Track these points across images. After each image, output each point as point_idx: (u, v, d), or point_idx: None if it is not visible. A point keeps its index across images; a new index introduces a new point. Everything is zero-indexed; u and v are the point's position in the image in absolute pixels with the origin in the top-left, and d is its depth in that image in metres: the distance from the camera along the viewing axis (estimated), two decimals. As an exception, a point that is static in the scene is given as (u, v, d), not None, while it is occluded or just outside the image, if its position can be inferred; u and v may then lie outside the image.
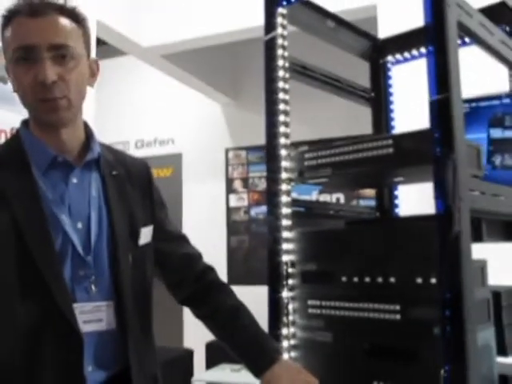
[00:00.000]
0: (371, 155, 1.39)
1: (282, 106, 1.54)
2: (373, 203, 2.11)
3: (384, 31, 2.83)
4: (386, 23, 3.21)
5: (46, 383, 1.11)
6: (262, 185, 5.53)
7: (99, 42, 3.73)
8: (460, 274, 1.18)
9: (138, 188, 1.36)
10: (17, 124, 3.00)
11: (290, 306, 1.49)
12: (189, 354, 5.02)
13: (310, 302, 1.46)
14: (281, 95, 1.54)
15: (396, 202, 2.07)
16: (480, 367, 1.27)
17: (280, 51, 1.57)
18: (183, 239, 1.47)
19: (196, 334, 5.09)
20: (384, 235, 1.36)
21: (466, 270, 1.19)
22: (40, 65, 1.14)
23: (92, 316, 1.18)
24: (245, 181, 5.70)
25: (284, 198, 1.51)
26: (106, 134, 1.22)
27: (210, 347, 5.08)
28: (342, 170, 1.46)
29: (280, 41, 1.57)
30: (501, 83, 2.06)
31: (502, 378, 1.43)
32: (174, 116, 6.08)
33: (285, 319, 1.49)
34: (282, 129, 1.53)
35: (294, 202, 1.56)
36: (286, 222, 1.51)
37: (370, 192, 4.75)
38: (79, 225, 1.20)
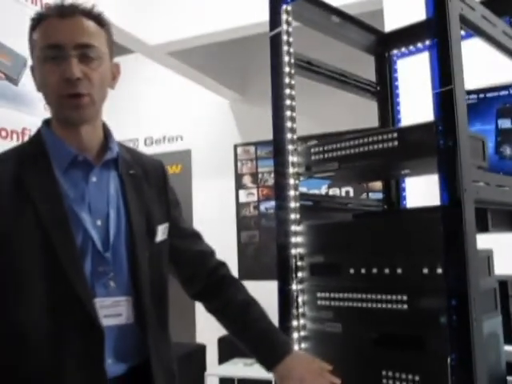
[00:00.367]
0: (377, 148, 1.41)
1: (288, 102, 1.56)
2: (381, 198, 2.12)
3: (390, 24, 2.84)
4: (393, 16, 3.21)
5: (69, 375, 1.14)
6: (272, 180, 5.55)
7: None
8: (465, 264, 1.20)
9: (155, 187, 1.40)
10: (28, 125, 3.04)
11: (300, 299, 1.52)
12: (201, 349, 5.06)
13: (318, 294, 1.49)
14: (287, 90, 1.57)
15: (403, 194, 2.09)
16: (487, 355, 1.29)
17: (285, 47, 1.59)
18: (197, 236, 1.51)
19: (208, 330, 5.13)
20: (391, 227, 1.38)
21: (472, 260, 1.21)
22: (66, 62, 1.19)
23: (111, 310, 1.22)
24: (254, 176, 5.72)
25: (292, 192, 1.54)
26: (116, 131, 1.25)
27: (222, 342, 5.12)
28: (348, 163, 1.48)
29: (285, 37, 1.59)
30: (506, 74, 2.06)
31: (510, 366, 1.44)
32: (183, 113, 6.11)
33: (295, 311, 1.51)
34: (288, 124, 1.56)
35: (302, 196, 1.58)
36: (294, 216, 1.53)
37: (378, 185, 4.75)
38: (98, 222, 1.24)
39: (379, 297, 1.36)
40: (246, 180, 5.75)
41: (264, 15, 1.72)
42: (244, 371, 4.52)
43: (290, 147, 1.55)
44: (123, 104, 5.83)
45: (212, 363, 5.06)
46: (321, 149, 1.53)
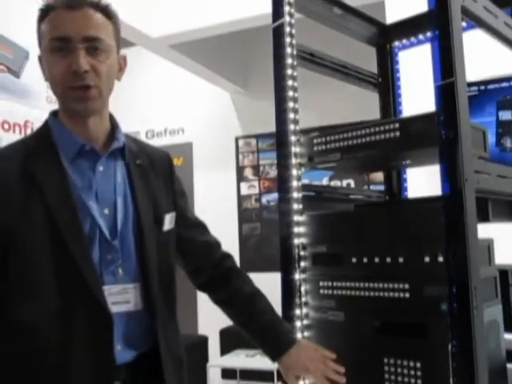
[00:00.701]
0: (378, 139, 1.43)
1: (290, 93, 1.57)
2: (383, 189, 2.14)
3: (392, 16, 2.84)
4: (394, 8, 3.21)
5: (79, 362, 1.16)
6: (273, 172, 5.56)
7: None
8: (466, 253, 1.22)
9: (161, 177, 1.41)
10: (30, 117, 3.05)
11: (303, 288, 1.54)
12: (203, 341, 5.10)
13: (321, 283, 1.50)
14: (289, 82, 1.58)
15: (405, 185, 2.11)
16: (487, 343, 1.31)
17: (288, 39, 1.60)
18: (203, 227, 1.53)
19: (210, 322, 5.17)
20: (392, 216, 1.40)
21: (472, 249, 1.23)
22: (74, 55, 1.20)
23: (120, 298, 1.24)
24: (255, 168, 5.73)
25: (294, 183, 1.55)
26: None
27: (224, 334, 5.15)
28: (350, 154, 1.49)
29: (288, 29, 1.60)
30: (506, 66, 2.07)
31: (510, 354, 1.46)
32: (184, 106, 6.11)
33: (297, 300, 1.53)
34: (291, 115, 1.57)
35: (305, 187, 1.59)
36: (296, 206, 1.55)
37: (379, 177, 4.77)
38: (106, 211, 1.26)
39: (381, 285, 1.37)
40: (248, 172, 5.76)
41: (265, 8, 1.73)
42: (246, 362, 4.55)
43: (293, 138, 1.57)
44: (125, 97, 5.84)
45: (214, 354, 5.09)
46: (323, 139, 1.55)
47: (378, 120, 1.92)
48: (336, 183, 5.23)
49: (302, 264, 1.54)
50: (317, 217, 1.54)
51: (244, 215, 5.76)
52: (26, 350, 1.16)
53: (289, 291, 1.54)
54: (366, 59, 2.15)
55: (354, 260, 1.43)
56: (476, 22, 1.51)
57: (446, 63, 1.28)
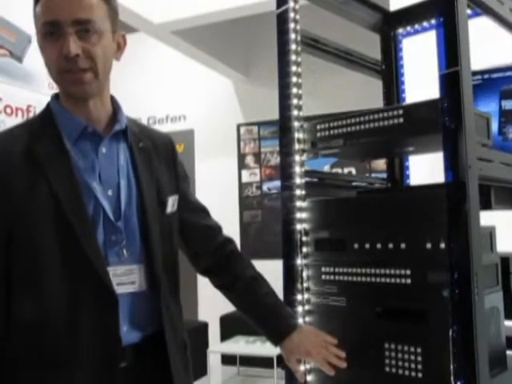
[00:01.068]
0: (382, 125, 1.43)
1: (294, 79, 1.57)
2: (385, 177, 2.14)
3: (395, 2, 2.82)
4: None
5: (86, 342, 1.17)
6: (274, 160, 5.57)
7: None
8: (468, 240, 1.22)
9: (164, 160, 1.41)
10: (33, 102, 3.05)
11: (305, 273, 1.54)
12: (204, 327, 5.13)
13: (323, 269, 1.51)
14: (293, 68, 1.57)
15: (407, 172, 2.11)
16: (487, 329, 1.32)
17: (292, 25, 1.59)
18: (205, 212, 1.53)
19: (210, 308, 5.20)
20: (394, 203, 1.40)
21: (474, 236, 1.23)
22: (64, 39, 1.19)
23: (125, 278, 1.24)
24: (257, 156, 5.73)
25: (297, 169, 1.56)
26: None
27: (224, 320, 5.18)
28: (353, 140, 1.49)
29: (292, 14, 1.59)
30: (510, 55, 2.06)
31: (510, 341, 1.47)
32: (186, 92, 6.11)
33: (299, 286, 1.54)
34: (294, 101, 1.57)
35: (307, 173, 1.60)
36: (299, 192, 1.55)
37: (381, 166, 4.77)
38: (109, 192, 1.26)
39: (383, 271, 1.38)
40: (249, 160, 5.76)
41: (269, -7, 1.73)
42: (246, 348, 4.59)
43: (296, 124, 1.57)
44: (126, 83, 5.83)
45: (214, 340, 5.12)
46: (326, 125, 1.55)
47: (381, 107, 1.92)
48: (337, 171, 5.23)
49: (304, 250, 1.55)
50: (319, 203, 1.55)
51: (245, 203, 5.77)
52: (32, 332, 1.17)
53: (291, 277, 1.55)
54: (370, 46, 2.15)
55: (356, 246, 1.44)
56: (481, 8, 1.51)
57: (451, 52, 1.27)
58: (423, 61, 2.12)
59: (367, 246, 1.41)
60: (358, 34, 2.25)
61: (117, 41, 1.31)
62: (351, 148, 1.53)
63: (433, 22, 2.00)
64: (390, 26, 2.08)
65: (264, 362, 4.49)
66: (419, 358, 1.31)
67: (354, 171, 5.28)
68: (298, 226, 1.55)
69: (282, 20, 1.61)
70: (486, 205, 1.42)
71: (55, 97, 1.32)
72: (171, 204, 1.38)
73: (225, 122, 5.86)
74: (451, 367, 1.24)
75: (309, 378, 1.52)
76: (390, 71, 2.08)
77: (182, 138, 5.96)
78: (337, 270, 1.48)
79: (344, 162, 5.10)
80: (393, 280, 1.36)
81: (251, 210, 5.74)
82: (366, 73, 2.08)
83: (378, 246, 1.39)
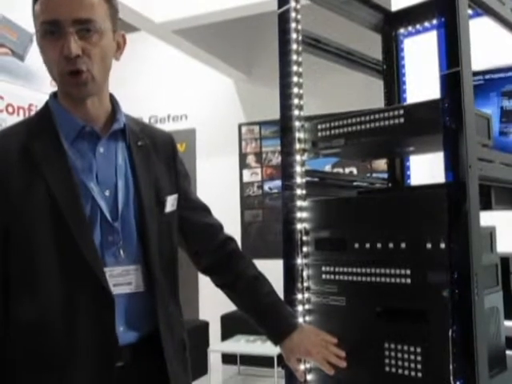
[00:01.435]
0: (383, 125, 1.43)
1: (295, 79, 1.57)
2: (385, 177, 2.14)
3: (396, 2, 2.82)
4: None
5: (82, 342, 1.17)
6: (276, 159, 5.57)
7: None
8: (468, 240, 1.22)
9: (163, 158, 1.40)
10: (34, 101, 3.06)
11: (305, 273, 1.55)
12: (204, 326, 5.13)
13: (323, 269, 1.51)
14: (294, 67, 1.58)
15: (408, 173, 2.11)
16: (487, 329, 1.32)
17: (293, 24, 1.59)
18: (206, 210, 1.52)
19: (211, 307, 5.20)
20: (395, 203, 1.40)
21: (474, 236, 1.23)
22: (64, 39, 1.18)
23: (121, 279, 1.24)
24: (258, 155, 5.73)
25: (298, 169, 1.56)
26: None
27: (224, 319, 5.19)
28: (354, 140, 1.49)
29: (293, 14, 1.60)
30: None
31: (510, 341, 1.47)
32: (187, 92, 6.11)
33: (299, 285, 1.54)
34: (295, 101, 1.57)
35: (308, 173, 1.60)
36: (300, 192, 1.55)
37: (382, 166, 4.77)
38: (107, 192, 1.25)
39: (383, 271, 1.38)
40: (250, 159, 5.76)
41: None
42: (246, 348, 4.59)
43: (297, 124, 1.57)
44: (128, 82, 5.83)
45: (215, 340, 5.13)
46: (327, 125, 1.55)
47: (382, 106, 1.92)
48: (338, 171, 5.23)
49: (305, 249, 1.55)
50: (320, 202, 1.55)
51: (246, 202, 5.77)
52: (29, 332, 1.17)
53: (291, 276, 1.55)
54: (371, 46, 2.15)
55: (356, 246, 1.44)
56: (482, 8, 1.51)
57: (452, 52, 1.27)
58: (424, 61, 2.12)
59: (367, 245, 1.42)
60: (360, 33, 2.25)
61: (117, 40, 1.30)
62: (352, 148, 1.54)
63: (434, 22, 2.00)
64: (391, 26, 2.08)
65: (264, 362, 4.50)
66: (419, 358, 1.31)
67: (355, 171, 5.28)
68: (299, 226, 1.55)
69: (283, 20, 1.61)
70: (486, 205, 1.42)
71: (54, 95, 1.31)
72: (170, 203, 1.37)
73: (226, 121, 5.87)
74: (451, 367, 1.25)
75: (309, 377, 1.52)
76: (391, 71, 2.09)
77: (184, 137, 5.97)
78: (337, 269, 1.48)
79: (345, 161, 5.09)
80: (393, 280, 1.36)
81: (252, 210, 5.74)
82: (367, 73, 2.08)
83: (379, 245, 1.39)
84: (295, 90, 1.57)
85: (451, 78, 1.27)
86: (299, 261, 1.54)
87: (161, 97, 6.22)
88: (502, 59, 2.32)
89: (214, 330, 5.18)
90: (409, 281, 1.34)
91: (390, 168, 2.10)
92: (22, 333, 1.18)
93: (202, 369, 4.51)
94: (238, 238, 1.60)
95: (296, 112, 1.57)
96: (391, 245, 1.37)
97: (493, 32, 1.76)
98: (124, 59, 1.35)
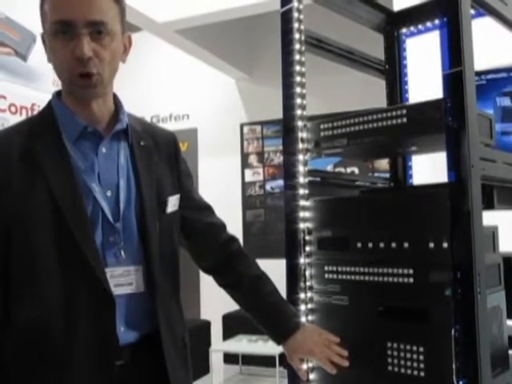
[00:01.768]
0: (385, 125, 1.43)
1: (298, 78, 1.58)
2: (387, 176, 2.15)
3: (399, 2, 2.83)
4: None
5: (82, 342, 1.18)
6: (278, 159, 5.57)
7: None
8: (471, 240, 1.23)
9: (166, 158, 1.40)
10: (37, 100, 3.06)
11: (307, 272, 1.55)
12: (206, 326, 5.14)
13: (326, 268, 1.52)
14: (297, 67, 1.58)
15: (410, 172, 2.11)
16: (490, 328, 1.32)
17: (296, 24, 1.60)
18: (208, 209, 1.52)
19: (213, 307, 5.21)
20: (397, 202, 1.40)
21: (477, 236, 1.24)
22: (77, 40, 1.17)
23: (122, 280, 1.24)
24: (260, 155, 5.74)
25: (301, 168, 1.56)
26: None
27: (226, 319, 5.19)
28: (357, 139, 1.50)
29: (296, 14, 1.60)
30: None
31: (512, 340, 1.48)
32: (189, 91, 6.11)
33: (302, 284, 1.54)
34: (298, 100, 1.57)
35: (311, 173, 1.60)
36: (302, 191, 1.56)
37: (384, 165, 4.77)
38: (108, 193, 1.25)
39: (385, 270, 1.38)
40: (252, 159, 5.77)
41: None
42: (248, 347, 4.59)
43: (300, 123, 1.57)
44: (130, 82, 5.83)
45: (216, 339, 5.13)
46: (330, 125, 1.55)
47: (384, 106, 1.92)
48: (340, 171, 5.23)
49: (307, 248, 1.55)
50: (322, 202, 1.55)
51: (248, 202, 5.78)
52: (30, 332, 1.17)
53: (294, 275, 1.55)
54: (374, 46, 2.15)
55: (359, 245, 1.44)
56: (485, 9, 1.51)
57: (455, 51, 1.27)
58: (426, 61, 2.13)
59: (370, 245, 1.42)
60: (362, 33, 2.25)
61: (123, 42, 1.30)
62: (355, 147, 1.54)
63: (436, 22, 2.00)
64: (393, 26, 2.08)
65: (266, 361, 4.50)
66: (421, 357, 1.32)
67: (356, 171, 5.28)
68: (301, 225, 1.55)
69: (286, 19, 1.62)
70: (489, 205, 1.42)
71: (57, 95, 1.31)
72: (172, 203, 1.37)
73: (228, 121, 5.87)
74: (453, 366, 1.25)
75: (311, 376, 1.52)
76: (393, 71, 2.09)
77: (186, 136, 5.97)
78: (340, 268, 1.49)
79: (347, 161, 5.10)
80: (395, 279, 1.37)
81: (254, 209, 5.75)
82: (369, 72, 2.08)
83: (381, 245, 1.40)
84: (298, 89, 1.58)
85: (454, 78, 1.27)
86: (302, 260, 1.55)
87: (163, 96, 6.23)
88: (502, 59, 2.32)
89: (216, 330, 5.18)
90: (411, 280, 1.34)
91: (393, 167, 2.10)
92: (22, 333, 1.18)
93: (203, 368, 4.51)
94: (239, 237, 1.60)
95: (299, 112, 1.58)
96: (394, 244, 1.37)
97: (493, 32, 1.76)
98: (126, 59, 1.35)
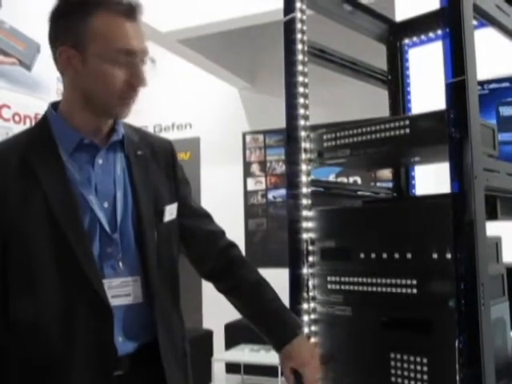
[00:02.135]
0: (388, 136, 1.43)
1: (301, 89, 1.58)
2: (390, 186, 2.14)
3: (401, 13, 2.84)
4: (403, 5, 3.21)
5: (80, 353, 1.18)
6: (280, 168, 5.58)
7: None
8: (474, 250, 1.22)
9: (163, 167, 1.41)
10: (41, 110, 3.07)
11: (310, 282, 1.55)
12: (208, 335, 5.12)
13: (329, 278, 1.51)
14: (300, 78, 1.58)
15: (413, 182, 2.11)
16: (494, 340, 1.31)
17: (299, 35, 1.60)
18: (207, 217, 1.53)
19: (215, 316, 5.20)
20: (400, 213, 1.40)
21: (480, 247, 1.23)
22: (137, 69, 1.23)
23: (120, 291, 1.25)
24: (262, 164, 5.74)
25: (304, 178, 1.56)
26: (125, 119, 1.28)
27: (228, 328, 5.18)
28: (360, 150, 1.50)
29: (299, 25, 1.60)
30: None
31: (516, 352, 1.47)
32: (192, 101, 6.13)
33: (305, 295, 1.54)
34: (301, 111, 1.58)
35: (313, 183, 1.60)
36: (305, 201, 1.56)
37: (386, 175, 4.77)
38: (105, 204, 1.26)
39: (389, 281, 1.38)
40: (255, 168, 5.78)
41: (275, 4, 1.74)
42: (250, 357, 4.58)
43: (303, 134, 1.58)
44: (133, 91, 5.85)
45: (219, 349, 5.12)
46: (333, 135, 1.55)
47: (387, 117, 1.93)
48: (343, 180, 5.23)
49: (311, 259, 1.55)
50: (325, 212, 1.55)
51: (250, 211, 5.78)
52: (28, 343, 1.18)
53: (297, 285, 1.55)
54: (376, 56, 2.16)
55: (362, 255, 1.44)
56: (487, 20, 1.51)
57: (457, 61, 1.28)
58: (429, 71, 2.13)
59: (373, 255, 1.42)
60: (364, 44, 2.26)
61: None
62: (358, 158, 1.54)
63: (439, 32, 2.01)
64: (396, 36, 2.09)
65: (268, 371, 4.48)
66: (425, 369, 1.31)
67: (359, 180, 5.28)
68: (305, 235, 1.55)
69: (288, 30, 1.62)
70: (492, 215, 1.42)
71: (52, 106, 1.31)
72: (169, 212, 1.37)
73: (230, 130, 5.88)
74: (457, 378, 1.24)
75: (314, 387, 1.51)
76: (395, 81, 2.09)
77: (188, 146, 5.98)
78: (343, 279, 1.48)
79: (349, 171, 5.10)
80: (399, 290, 1.36)
81: (256, 218, 5.75)
82: (372, 83, 2.09)
83: (384, 255, 1.39)
84: (301, 100, 1.58)
85: (456, 87, 1.27)
86: (305, 270, 1.54)
87: (165, 105, 6.24)
88: (504, 69, 2.33)
89: (218, 339, 5.17)
90: (415, 291, 1.34)
91: (395, 177, 2.10)
92: (20, 342, 1.18)
93: (205, 378, 4.49)
94: (241, 246, 1.60)
95: (302, 122, 1.58)
96: (397, 255, 1.37)
97: (496, 42, 1.77)
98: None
